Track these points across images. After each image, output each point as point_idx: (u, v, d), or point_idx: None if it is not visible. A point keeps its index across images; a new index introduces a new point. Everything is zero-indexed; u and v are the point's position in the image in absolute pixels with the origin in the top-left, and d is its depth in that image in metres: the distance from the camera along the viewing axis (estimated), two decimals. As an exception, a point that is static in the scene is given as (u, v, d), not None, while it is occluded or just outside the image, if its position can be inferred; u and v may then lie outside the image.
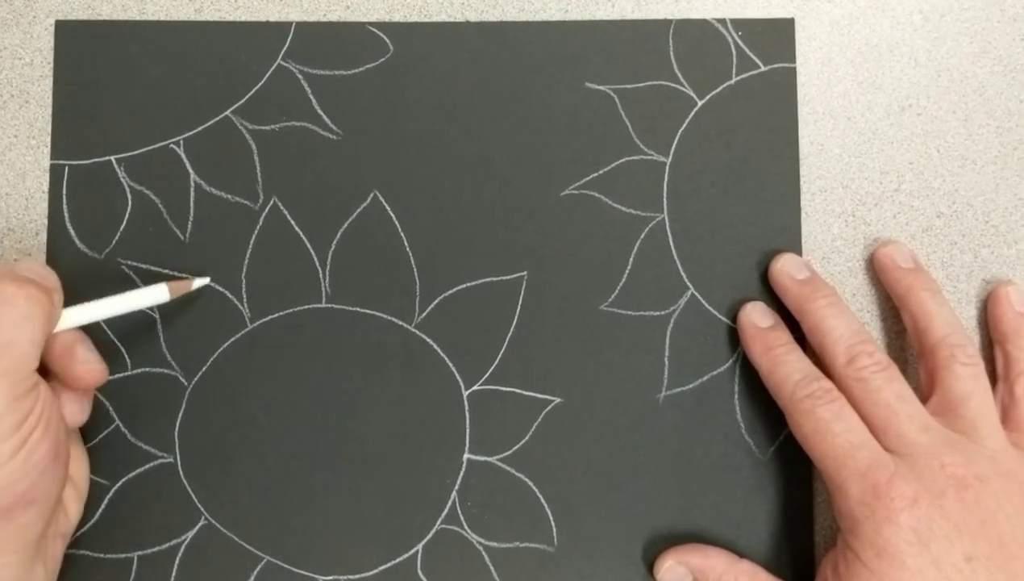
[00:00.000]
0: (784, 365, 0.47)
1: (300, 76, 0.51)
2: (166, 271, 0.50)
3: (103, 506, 0.49)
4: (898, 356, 0.51)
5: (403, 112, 0.51)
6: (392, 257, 0.50)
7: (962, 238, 0.52)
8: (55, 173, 0.51)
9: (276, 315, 0.50)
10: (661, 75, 0.52)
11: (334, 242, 0.50)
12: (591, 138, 0.51)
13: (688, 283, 0.51)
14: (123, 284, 0.50)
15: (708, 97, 0.51)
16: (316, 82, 0.51)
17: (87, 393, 0.47)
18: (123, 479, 0.50)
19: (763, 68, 0.52)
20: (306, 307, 0.50)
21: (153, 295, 0.47)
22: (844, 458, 0.44)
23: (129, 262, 0.50)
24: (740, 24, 0.52)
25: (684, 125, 0.51)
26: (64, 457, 0.43)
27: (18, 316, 0.42)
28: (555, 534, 0.49)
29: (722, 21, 0.52)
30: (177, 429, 0.50)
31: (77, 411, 0.46)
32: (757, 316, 0.49)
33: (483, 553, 0.49)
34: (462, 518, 0.50)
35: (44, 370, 0.44)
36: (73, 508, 0.47)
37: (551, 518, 0.50)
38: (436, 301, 0.50)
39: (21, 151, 0.51)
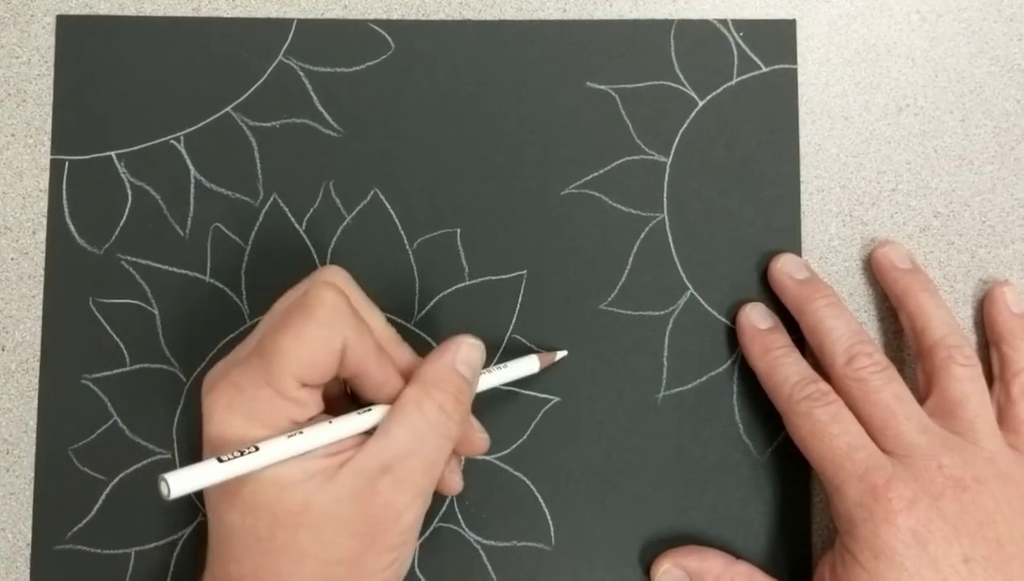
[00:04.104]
0: (782, 367, 0.48)
1: (301, 73, 0.51)
2: (166, 267, 0.50)
3: (100, 501, 0.49)
4: (895, 356, 0.51)
5: (404, 110, 0.51)
6: (392, 255, 0.50)
7: (959, 238, 0.52)
8: (55, 168, 0.51)
9: (275, 312, 0.50)
10: (662, 75, 0.52)
11: (334, 240, 0.50)
12: (591, 137, 0.51)
13: (687, 283, 0.51)
14: (123, 280, 0.50)
15: (709, 97, 0.52)
16: (317, 79, 0.51)
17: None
18: (121, 475, 0.50)
19: (764, 69, 0.52)
20: (305, 304, 0.50)
21: (526, 366, 0.49)
22: (842, 460, 0.44)
23: (129, 258, 0.50)
24: (742, 25, 0.52)
25: (685, 125, 0.51)
26: None
27: (445, 439, 0.42)
28: (553, 533, 0.50)
29: (723, 22, 0.52)
30: (175, 425, 0.50)
31: (459, 478, 0.47)
32: (756, 317, 0.49)
33: (480, 552, 0.49)
34: (460, 517, 0.50)
35: None
36: None
37: (549, 517, 0.50)
38: (435, 299, 0.50)
39: (19, 149, 0.51)
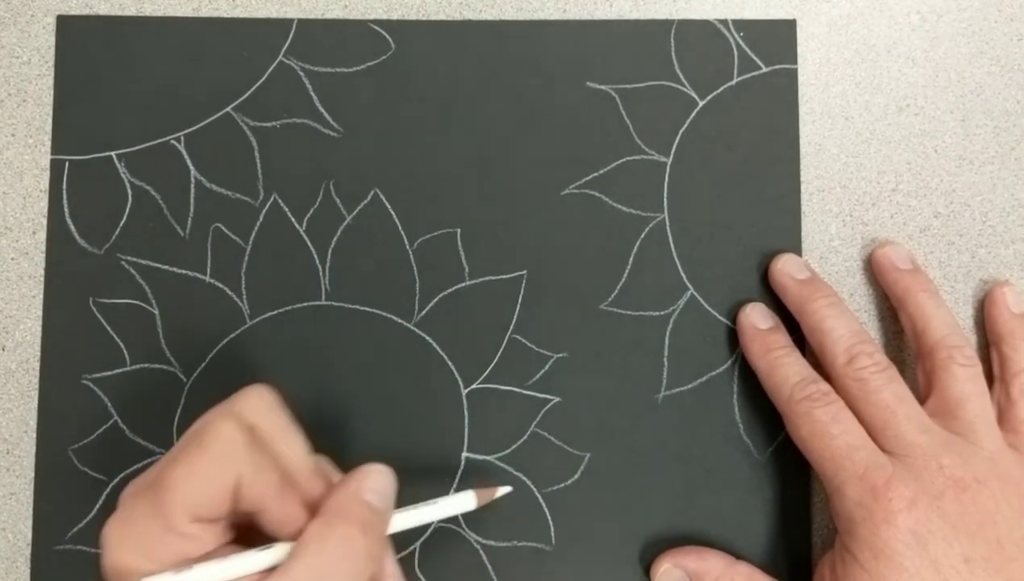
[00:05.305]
0: (782, 367, 0.48)
1: (301, 73, 0.51)
2: (166, 267, 0.50)
3: (100, 502, 0.49)
4: (896, 357, 0.51)
5: (404, 110, 0.51)
6: (392, 255, 0.50)
7: (959, 238, 0.52)
8: (55, 168, 0.51)
9: (275, 312, 0.50)
10: (662, 75, 0.52)
11: (334, 240, 0.50)
12: (592, 138, 0.51)
13: (688, 283, 0.51)
14: (123, 280, 0.50)
15: (709, 98, 0.51)
16: (317, 79, 0.51)
17: None
18: (121, 475, 0.50)
19: (764, 69, 0.52)
20: (306, 304, 0.50)
21: (460, 503, 0.45)
22: (842, 459, 0.44)
23: (129, 258, 0.50)
24: (742, 25, 0.52)
25: (685, 125, 0.51)
26: None
27: (350, 576, 0.38)
28: (553, 533, 0.50)
29: (724, 22, 0.52)
30: (175, 425, 0.50)
31: None
32: (757, 317, 0.49)
33: (481, 552, 0.49)
34: (460, 517, 0.50)
35: None
36: None
37: (549, 517, 0.50)
38: (436, 299, 0.50)
39: (19, 149, 0.51)
